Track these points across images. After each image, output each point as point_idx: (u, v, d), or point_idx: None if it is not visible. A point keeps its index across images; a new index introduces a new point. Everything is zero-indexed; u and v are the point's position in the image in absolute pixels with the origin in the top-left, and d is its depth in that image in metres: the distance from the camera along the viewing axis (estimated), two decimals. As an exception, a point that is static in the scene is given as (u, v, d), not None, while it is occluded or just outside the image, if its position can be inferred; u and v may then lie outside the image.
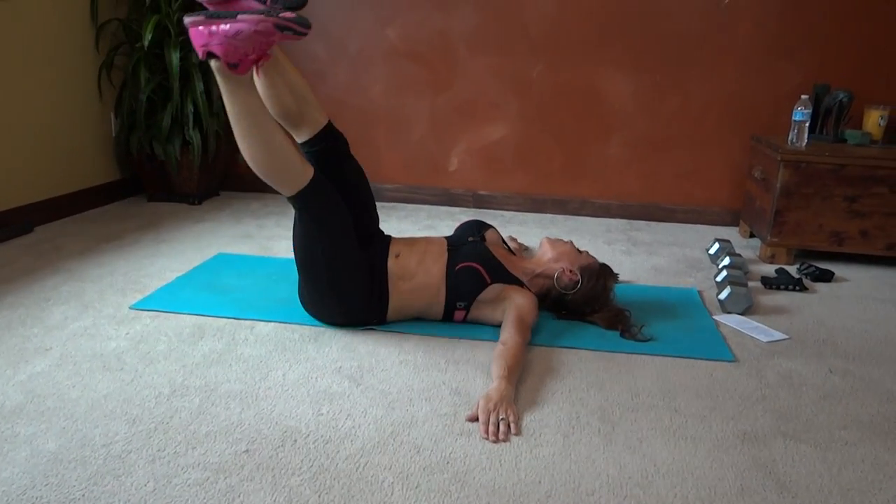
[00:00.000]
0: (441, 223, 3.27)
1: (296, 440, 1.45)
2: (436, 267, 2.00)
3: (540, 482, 1.34)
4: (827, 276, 2.63)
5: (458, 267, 1.99)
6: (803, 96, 2.83)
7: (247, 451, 1.41)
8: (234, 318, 2.06)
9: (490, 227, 2.30)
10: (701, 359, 1.91)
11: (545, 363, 1.85)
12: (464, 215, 3.43)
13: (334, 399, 1.62)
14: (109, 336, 1.92)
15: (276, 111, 1.92)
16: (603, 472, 1.38)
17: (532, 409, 1.61)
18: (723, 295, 2.28)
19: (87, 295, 2.21)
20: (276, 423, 1.51)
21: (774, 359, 1.94)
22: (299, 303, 2.14)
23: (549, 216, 3.51)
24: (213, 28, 1.59)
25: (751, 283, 2.51)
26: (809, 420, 1.62)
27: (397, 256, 2.00)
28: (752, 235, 3.22)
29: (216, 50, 1.60)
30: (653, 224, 3.44)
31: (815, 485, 1.37)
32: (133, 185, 3.56)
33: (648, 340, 1.99)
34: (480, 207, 3.61)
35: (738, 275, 2.39)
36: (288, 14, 1.58)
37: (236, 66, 1.62)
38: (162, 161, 3.35)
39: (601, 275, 2.10)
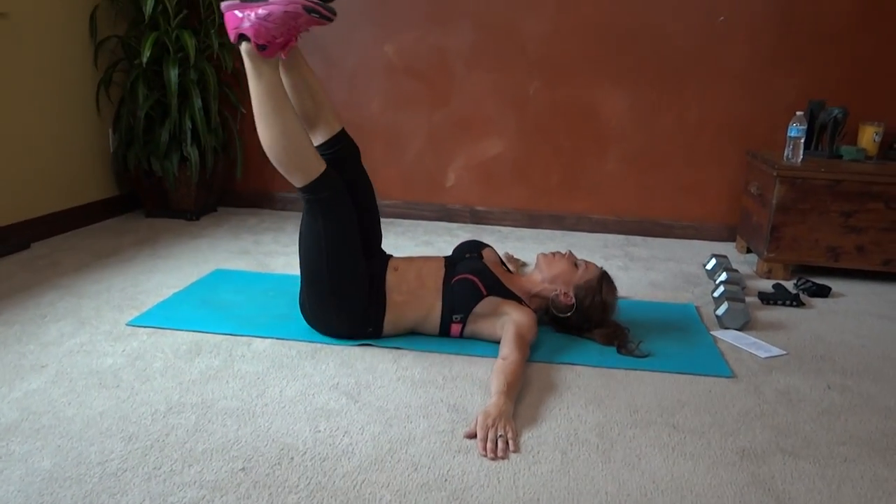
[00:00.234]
0: (438, 239, 3.27)
1: (293, 458, 1.44)
2: (433, 280, 2.02)
3: (538, 500, 1.33)
4: (824, 292, 2.63)
5: (454, 280, 2.00)
6: (798, 112, 2.84)
7: (243, 468, 1.40)
8: (231, 335, 2.05)
9: (488, 246, 2.29)
10: (699, 375, 1.91)
11: (543, 379, 1.84)
12: (461, 231, 3.44)
13: (331, 416, 1.61)
14: (106, 353, 1.91)
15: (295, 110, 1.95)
16: (601, 489, 1.38)
17: (530, 425, 1.61)
18: (720, 310, 2.28)
19: (83, 311, 2.20)
20: (273, 440, 1.51)
21: (772, 374, 1.94)
22: (296, 319, 2.14)
23: (546, 232, 3.51)
24: (247, 11, 1.71)
25: (748, 299, 2.51)
26: (808, 436, 1.61)
27: (396, 269, 2.04)
28: (748, 251, 3.23)
29: (248, 31, 1.71)
30: (650, 239, 3.44)
31: (814, 501, 1.36)
32: (130, 201, 3.56)
33: (646, 356, 1.98)
34: (478, 223, 3.61)
35: (736, 290, 2.39)
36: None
37: (265, 48, 1.73)
38: (159, 177, 3.35)
39: (599, 290, 2.08)
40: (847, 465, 1.50)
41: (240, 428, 1.55)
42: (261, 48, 1.74)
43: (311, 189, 1.86)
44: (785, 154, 2.87)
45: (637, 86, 3.36)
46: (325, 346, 1.99)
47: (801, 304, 2.51)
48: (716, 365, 1.97)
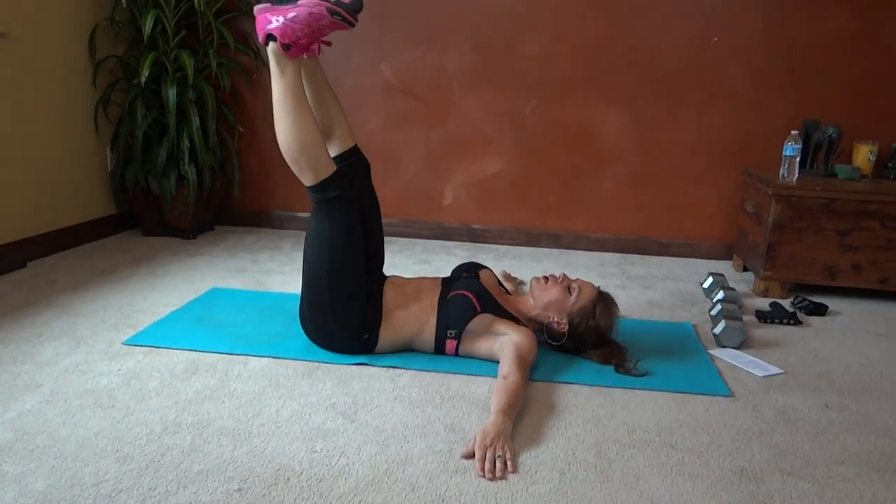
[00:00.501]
0: (436, 257, 3.27)
1: (289, 478, 1.43)
2: (429, 297, 2.04)
3: (536, 521, 1.32)
4: (821, 310, 2.64)
5: (449, 295, 2.02)
6: (793, 132, 2.86)
7: (239, 489, 1.39)
8: (228, 354, 2.04)
9: (485, 267, 2.29)
10: (697, 394, 1.90)
11: (541, 398, 1.83)
12: (458, 249, 3.44)
13: (328, 436, 1.61)
14: (101, 372, 1.90)
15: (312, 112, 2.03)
16: (600, 509, 1.37)
17: (528, 445, 1.60)
18: (718, 329, 2.28)
19: (79, 330, 2.19)
20: (270, 460, 1.50)
21: (770, 393, 1.93)
22: (293, 338, 2.14)
23: (543, 250, 3.52)
24: (277, 14, 1.83)
25: (745, 317, 2.51)
26: (807, 456, 1.61)
27: (394, 284, 2.08)
28: (745, 269, 3.24)
29: (275, 31, 1.83)
30: (647, 258, 3.45)
31: (814, 522, 1.36)
32: (128, 220, 3.56)
33: (644, 375, 1.98)
34: (475, 241, 3.62)
35: (733, 309, 2.39)
36: (343, 2, 1.83)
37: (289, 48, 1.84)
38: (157, 196, 3.36)
39: (593, 315, 2.05)
40: (846, 485, 1.49)
41: (236, 448, 1.54)
42: (286, 48, 1.84)
43: (321, 188, 1.91)
44: (780, 173, 2.89)
45: (633, 105, 3.38)
46: (321, 365, 1.98)
47: (798, 323, 2.51)
48: (714, 384, 1.96)
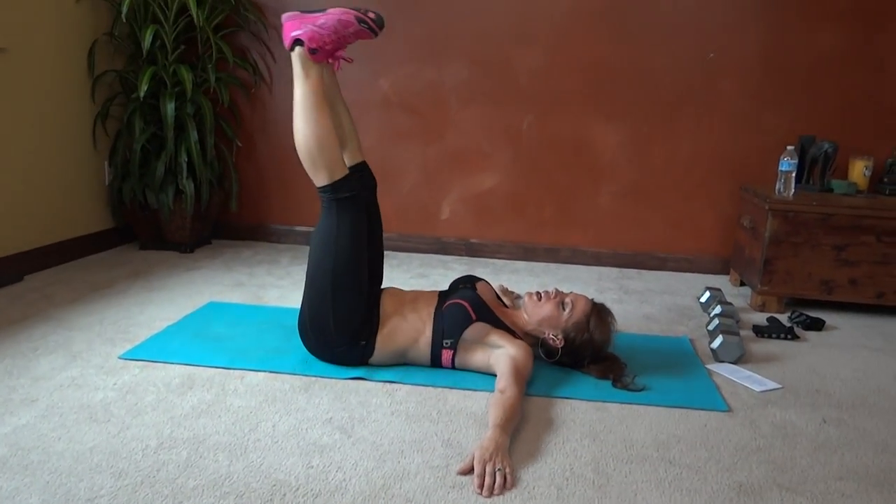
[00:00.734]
0: (433, 271, 3.27)
1: (285, 494, 1.42)
2: (425, 308, 2.06)
3: (534, 537, 1.32)
4: (818, 325, 2.64)
5: (445, 305, 2.03)
6: (789, 147, 2.88)
7: (235, 505, 1.38)
8: (224, 368, 2.04)
9: (482, 280, 2.30)
10: (695, 408, 1.90)
11: (538, 413, 1.83)
12: (456, 263, 3.44)
13: (325, 451, 1.60)
14: (97, 386, 1.89)
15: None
16: (598, 526, 1.36)
17: (525, 460, 1.59)
18: (715, 344, 2.28)
19: (75, 344, 2.19)
20: (266, 475, 1.49)
21: (768, 408, 1.93)
22: (290, 352, 2.14)
23: (541, 265, 3.52)
24: (306, 21, 1.91)
25: (742, 332, 2.51)
26: (805, 471, 1.60)
27: (392, 295, 2.11)
28: (742, 284, 3.24)
29: (303, 36, 1.90)
30: (644, 272, 3.45)
31: (812, 538, 1.35)
32: (125, 234, 3.56)
33: (641, 390, 1.97)
34: (472, 256, 3.62)
35: (730, 323, 2.39)
36: (370, 14, 1.94)
37: (315, 52, 1.91)
38: (155, 209, 3.36)
39: (587, 329, 2.05)
40: (845, 501, 1.49)
41: (232, 463, 1.53)
42: (312, 52, 1.91)
43: (333, 188, 1.94)
44: (777, 188, 2.90)
45: (629, 120, 3.39)
46: (318, 379, 1.98)
47: (795, 338, 2.51)
48: (711, 399, 1.96)
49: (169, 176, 3.31)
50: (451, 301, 2.04)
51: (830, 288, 2.80)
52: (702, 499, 1.47)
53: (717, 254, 3.47)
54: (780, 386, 2.08)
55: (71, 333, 2.28)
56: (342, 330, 1.98)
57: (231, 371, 2.02)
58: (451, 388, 1.95)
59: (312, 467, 1.53)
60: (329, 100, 2.05)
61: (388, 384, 1.96)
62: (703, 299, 2.84)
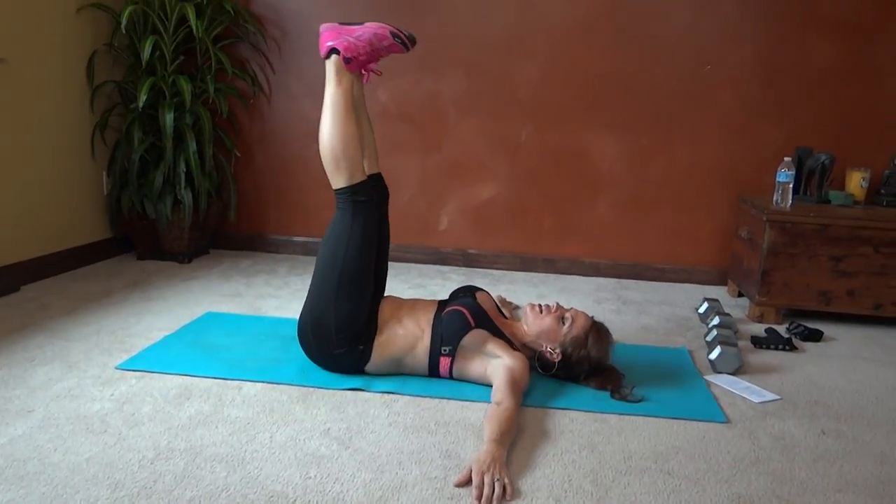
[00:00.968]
0: (431, 282, 3.27)
1: (282, 505, 1.42)
2: (424, 315, 2.07)
3: (532, 549, 1.31)
4: (816, 336, 2.64)
5: (444, 312, 2.04)
6: (786, 158, 2.89)
7: (232, 517, 1.37)
8: (222, 379, 2.03)
9: (482, 290, 2.30)
10: (693, 420, 1.89)
11: (536, 424, 1.82)
12: (454, 274, 3.44)
13: (322, 462, 1.59)
14: (94, 397, 1.88)
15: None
16: (596, 537, 1.35)
17: (523, 471, 1.59)
18: (713, 355, 2.28)
19: (72, 355, 2.18)
20: (263, 487, 1.48)
21: (767, 420, 1.92)
22: (288, 363, 2.14)
23: (539, 275, 3.52)
24: (343, 32, 2.00)
25: (740, 343, 2.51)
26: (804, 483, 1.60)
27: (392, 302, 2.13)
28: (740, 295, 3.24)
29: (339, 45, 1.99)
30: (642, 283, 3.45)
31: (812, 550, 1.34)
32: (123, 244, 3.55)
33: (640, 401, 1.97)
34: (470, 266, 3.62)
35: (728, 334, 2.39)
36: (404, 31, 2.05)
37: (350, 62, 2.00)
38: (153, 220, 3.36)
39: (585, 345, 2.05)
40: (844, 513, 1.48)
41: (229, 475, 1.52)
42: (347, 61, 2.00)
43: (352, 190, 2.00)
44: (774, 199, 2.90)
45: (627, 132, 3.41)
46: (316, 390, 1.97)
47: (793, 349, 2.51)
48: (710, 410, 1.96)
49: (167, 186, 3.31)
50: (450, 308, 2.05)
51: (828, 299, 2.81)
52: (701, 510, 1.46)
53: (715, 265, 3.47)
54: (778, 397, 2.08)
55: (68, 344, 2.27)
56: (342, 332, 1.99)
57: (228, 381, 2.02)
58: (449, 398, 1.95)
59: (310, 478, 1.52)
60: (355, 109, 2.10)
61: (386, 395, 1.96)
62: (701, 310, 2.84)
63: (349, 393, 1.96)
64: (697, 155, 3.39)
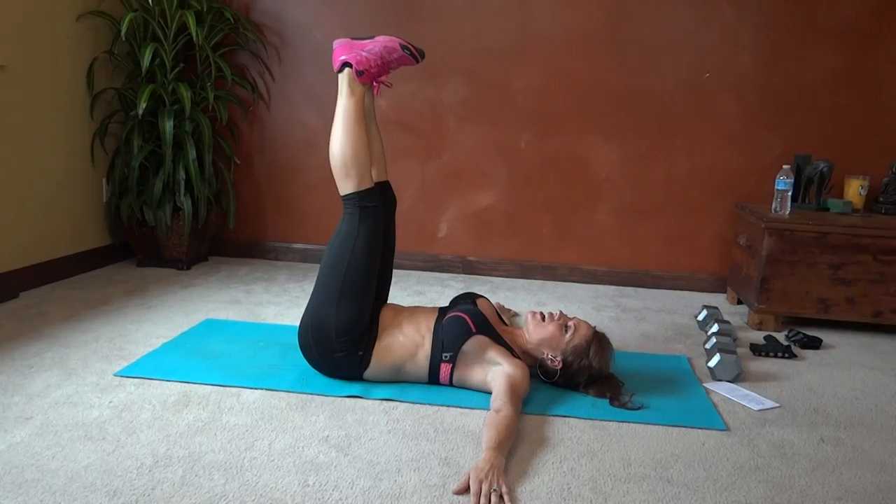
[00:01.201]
0: (430, 289, 3.27)
1: (281, 513, 1.41)
2: (425, 322, 2.07)
3: (531, 557, 1.31)
4: (815, 343, 2.64)
5: (445, 318, 2.05)
6: (785, 166, 2.89)
7: (230, 524, 1.37)
8: (221, 386, 2.03)
9: (482, 297, 2.30)
10: (692, 427, 1.89)
11: (535, 432, 1.82)
12: (453, 281, 3.44)
13: (321, 469, 1.59)
14: (92, 404, 1.88)
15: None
16: (596, 545, 1.35)
17: (522, 479, 1.58)
18: (713, 362, 2.28)
19: (70, 362, 2.18)
20: (262, 494, 1.48)
21: (766, 427, 1.92)
22: (287, 370, 2.13)
23: (538, 282, 3.52)
24: (356, 47, 2.09)
25: (739, 350, 2.51)
26: (804, 491, 1.60)
27: (392, 309, 2.14)
28: (739, 302, 3.24)
29: (351, 59, 2.07)
30: (641, 290, 3.45)
31: (811, 559, 1.34)
32: (122, 251, 3.55)
33: (639, 408, 1.97)
34: (469, 273, 3.62)
35: (728, 342, 2.39)
36: (413, 43, 2.14)
37: (362, 74, 2.08)
38: (152, 226, 3.36)
39: (587, 354, 2.04)
40: (843, 521, 1.48)
41: (227, 482, 1.52)
42: (359, 73, 2.08)
43: (358, 196, 2.04)
44: (773, 206, 2.91)
45: (626, 139, 3.41)
46: (315, 397, 1.97)
47: (792, 356, 2.51)
48: (709, 417, 1.95)
49: (167, 193, 3.32)
50: (450, 314, 2.05)
51: (827, 306, 2.81)
52: (700, 518, 1.46)
53: (714, 272, 3.47)
54: (777, 405, 2.08)
55: (66, 350, 2.27)
56: (343, 335, 1.99)
57: (227, 389, 2.01)
58: (448, 406, 1.95)
59: (309, 486, 1.52)
60: (365, 119, 2.15)
61: (384, 402, 1.95)
62: (700, 318, 2.84)
63: (348, 400, 1.96)
64: (696, 162, 3.39)
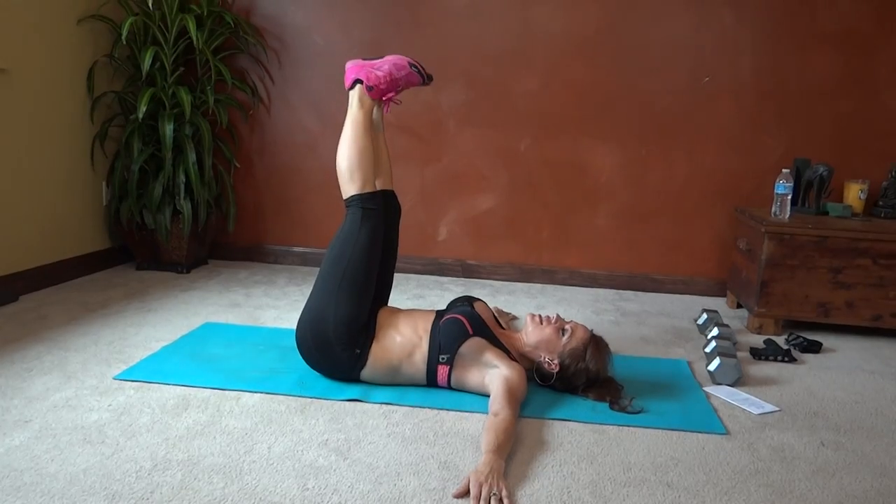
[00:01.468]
0: (430, 292, 3.27)
1: (280, 517, 1.41)
2: (422, 324, 2.08)
3: (531, 561, 1.30)
4: (815, 347, 2.64)
5: (442, 320, 2.06)
6: (784, 170, 2.89)
7: (229, 528, 1.37)
8: (220, 389, 2.03)
9: (479, 300, 2.31)
10: (692, 431, 1.89)
11: (535, 435, 1.82)
12: (453, 285, 3.44)
13: (320, 473, 1.59)
14: (91, 407, 1.88)
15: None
16: (595, 550, 1.35)
17: (522, 483, 1.58)
18: (712, 366, 2.27)
19: (70, 365, 2.17)
20: (261, 498, 1.47)
21: (766, 431, 1.92)
22: (286, 373, 2.13)
23: (537, 286, 3.52)
24: (367, 66, 2.21)
25: (739, 354, 2.51)
26: (804, 495, 1.59)
27: (388, 310, 2.16)
28: (739, 306, 3.24)
29: (362, 76, 2.19)
30: (641, 294, 3.45)
31: (812, 563, 1.34)
32: (122, 254, 3.55)
33: (639, 412, 1.97)
34: (469, 277, 3.62)
35: (727, 346, 2.39)
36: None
37: (371, 90, 2.19)
38: (152, 230, 3.36)
39: (584, 357, 2.05)
40: (844, 525, 1.47)
41: (226, 486, 1.52)
42: (369, 89, 2.19)
43: (361, 199, 2.10)
44: (772, 210, 2.91)
45: (626, 143, 3.42)
46: (314, 401, 1.97)
47: (792, 360, 2.51)
48: (709, 421, 1.95)
49: (166, 196, 3.32)
50: (448, 316, 2.06)
51: (827, 310, 2.81)
52: (700, 522, 1.46)
53: (714, 276, 3.47)
54: (777, 409, 2.08)
55: (66, 354, 2.27)
56: (340, 329, 2.00)
57: (226, 392, 2.01)
58: (447, 409, 1.95)
59: (308, 490, 1.51)
60: (373, 131, 2.24)
61: (384, 406, 1.95)
62: (700, 321, 2.84)
63: (347, 404, 1.96)
64: (696, 166, 3.40)
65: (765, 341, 2.66)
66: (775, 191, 2.89)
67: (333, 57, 3.51)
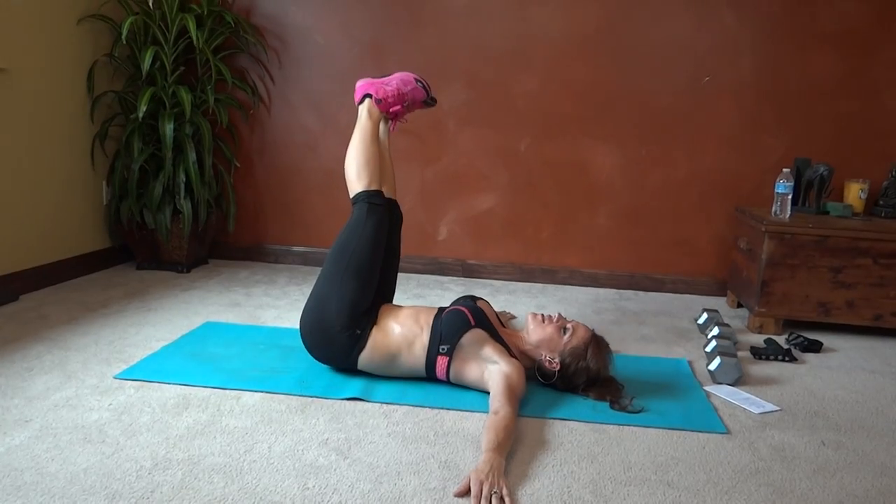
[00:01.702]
0: (430, 292, 3.27)
1: (280, 516, 1.41)
2: (424, 317, 2.10)
3: (532, 560, 1.30)
4: (815, 347, 2.63)
5: (444, 312, 2.08)
6: (785, 170, 2.89)
7: (229, 527, 1.36)
8: (220, 389, 2.03)
9: (481, 299, 2.31)
10: (693, 430, 1.89)
11: (535, 435, 1.82)
12: (453, 284, 3.44)
13: (321, 473, 1.59)
14: (92, 407, 1.88)
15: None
16: (596, 549, 1.35)
17: (523, 482, 1.58)
18: (713, 365, 2.27)
19: (70, 364, 2.17)
20: (261, 498, 1.47)
21: (767, 431, 1.92)
22: (287, 372, 2.14)
23: (538, 285, 3.52)
24: (377, 83, 2.36)
25: (740, 354, 2.51)
26: (804, 494, 1.59)
27: (390, 306, 2.18)
28: (739, 305, 3.24)
29: (371, 90, 2.34)
30: (641, 294, 3.45)
31: (812, 562, 1.34)
32: (122, 254, 3.55)
33: (639, 412, 1.97)
34: (469, 276, 3.62)
35: (728, 345, 2.39)
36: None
37: (380, 102, 2.34)
38: (152, 229, 3.36)
39: (584, 356, 2.05)
40: (844, 524, 1.47)
41: (227, 485, 1.51)
42: (378, 101, 2.34)
43: (367, 195, 2.21)
44: (773, 210, 2.91)
45: (626, 142, 3.41)
46: (315, 400, 1.97)
47: (793, 360, 2.51)
48: (710, 421, 1.95)
49: (167, 196, 3.32)
50: (450, 308, 2.09)
51: (828, 310, 2.81)
52: (701, 522, 1.45)
53: (715, 275, 3.47)
54: (778, 408, 2.08)
55: (66, 353, 2.27)
56: (343, 311, 2.03)
57: (227, 391, 2.01)
58: (448, 409, 1.95)
59: (308, 489, 1.51)
60: (379, 143, 2.34)
61: (384, 405, 1.95)
62: (700, 321, 2.84)
63: (348, 403, 1.96)
64: (696, 166, 3.40)
65: (765, 341, 2.66)
66: (776, 190, 2.89)
67: (334, 57, 3.51)
